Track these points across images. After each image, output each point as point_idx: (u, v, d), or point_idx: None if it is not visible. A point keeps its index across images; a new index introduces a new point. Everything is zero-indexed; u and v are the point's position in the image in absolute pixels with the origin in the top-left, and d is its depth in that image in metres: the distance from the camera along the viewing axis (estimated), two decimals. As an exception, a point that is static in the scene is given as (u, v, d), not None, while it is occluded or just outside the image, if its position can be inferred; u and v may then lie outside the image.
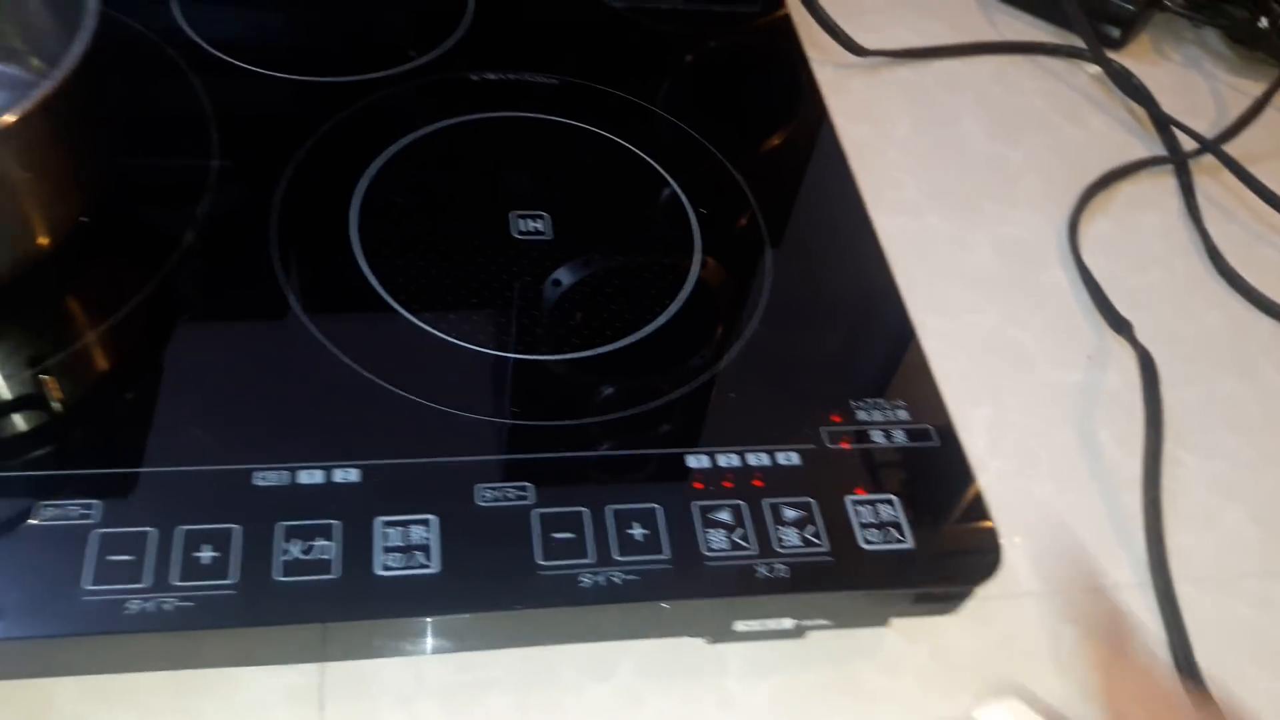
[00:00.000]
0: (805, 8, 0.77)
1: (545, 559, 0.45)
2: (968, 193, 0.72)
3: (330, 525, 0.44)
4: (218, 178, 0.57)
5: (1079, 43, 0.83)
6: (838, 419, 0.52)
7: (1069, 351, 0.65)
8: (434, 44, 0.67)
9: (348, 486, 0.46)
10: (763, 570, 0.46)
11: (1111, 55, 0.81)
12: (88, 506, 0.44)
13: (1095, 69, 0.82)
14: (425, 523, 0.45)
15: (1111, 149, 0.77)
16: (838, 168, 0.64)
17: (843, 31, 0.77)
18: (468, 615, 0.44)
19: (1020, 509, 0.57)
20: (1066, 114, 0.80)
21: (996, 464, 0.59)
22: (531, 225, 0.58)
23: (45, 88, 0.45)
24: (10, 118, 0.44)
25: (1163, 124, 0.79)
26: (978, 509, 0.50)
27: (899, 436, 0.51)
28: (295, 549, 0.44)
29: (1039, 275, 0.69)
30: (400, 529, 0.45)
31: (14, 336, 0.50)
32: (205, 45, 0.64)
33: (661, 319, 0.55)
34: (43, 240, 0.50)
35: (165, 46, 0.64)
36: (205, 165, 0.57)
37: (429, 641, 0.46)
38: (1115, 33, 0.85)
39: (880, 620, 0.50)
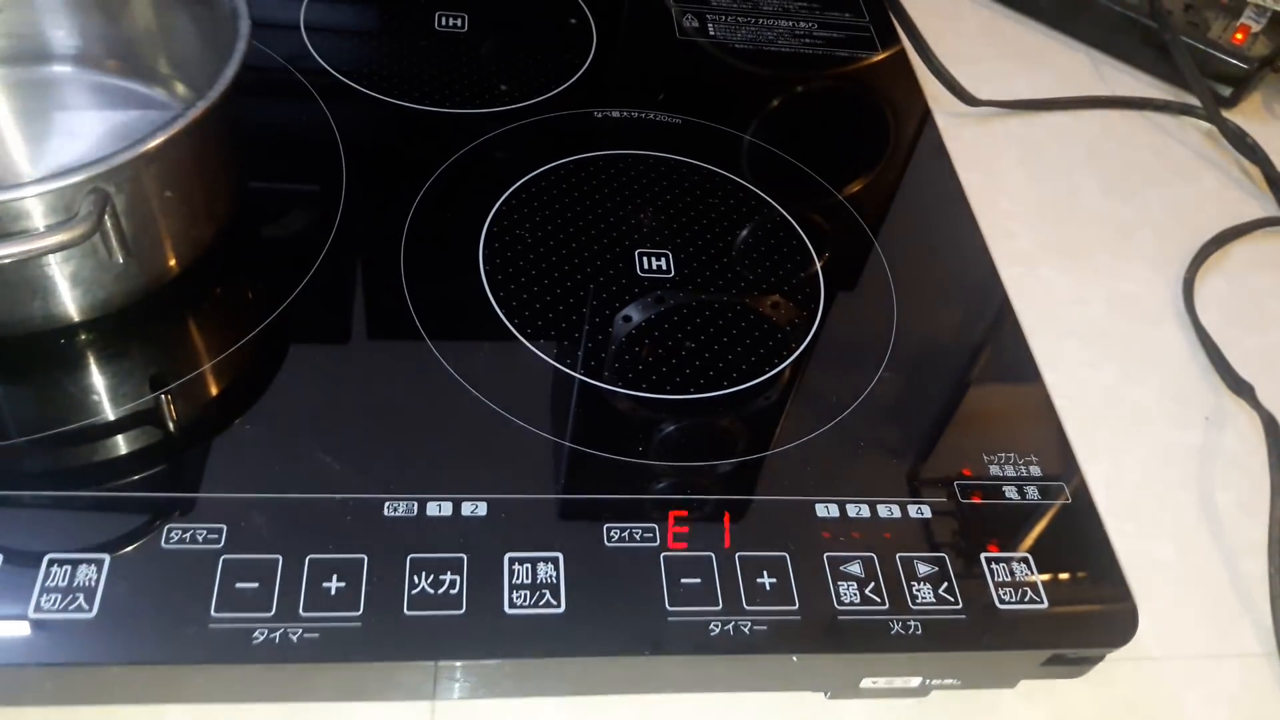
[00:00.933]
0: (919, 55, 0.76)
1: (673, 604, 0.44)
2: (1081, 246, 0.71)
3: (459, 559, 0.43)
4: (346, 204, 0.57)
5: (1190, 99, 0.81)
6: (968, 472, 0.50)
7: (1187, 412, 0.63)
8: (558, 81, 0.67)
9: (476, 520, 0.45)
10: (896, 626, 0.44)
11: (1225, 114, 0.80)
12: (215, 531, 0.43)
13: (1206, 126, 0.81)
14: (553, 561, 0.44)
15: (1225, 207, 0.76)
16: (961, 214, 0.63)
17: (955, 80, 0.76)
18: (594, 659, 0.43)
19: (1141, 571, 0.55)
20: (1179, 171, 0.78)
21: (1114, 524, 0.57)
22: (655, 263, 0.57)
23: (195, 111, 0.45)
24: (159, 139, 0.44)
25: (1277, 184, 0.77)
26: (1113, 569, 0.48)
27: (1032, 492, 0.50)
28: (424, 582, 0.43)
29: (1154, 333, 0.67)
30: (527, 566, 0.44)
31: (138, 357, 0.50)
32: (334, 72, 0.64)
33: (788, 361, 0.54)
34: (174, 262, 0.50)
35: (295, 73, 0.64)
36: (335, 192, 0.57)
37: (546, 683, 0.45)
38: (1226, 92, 0.84)
39: (1009, 682, 0.49)
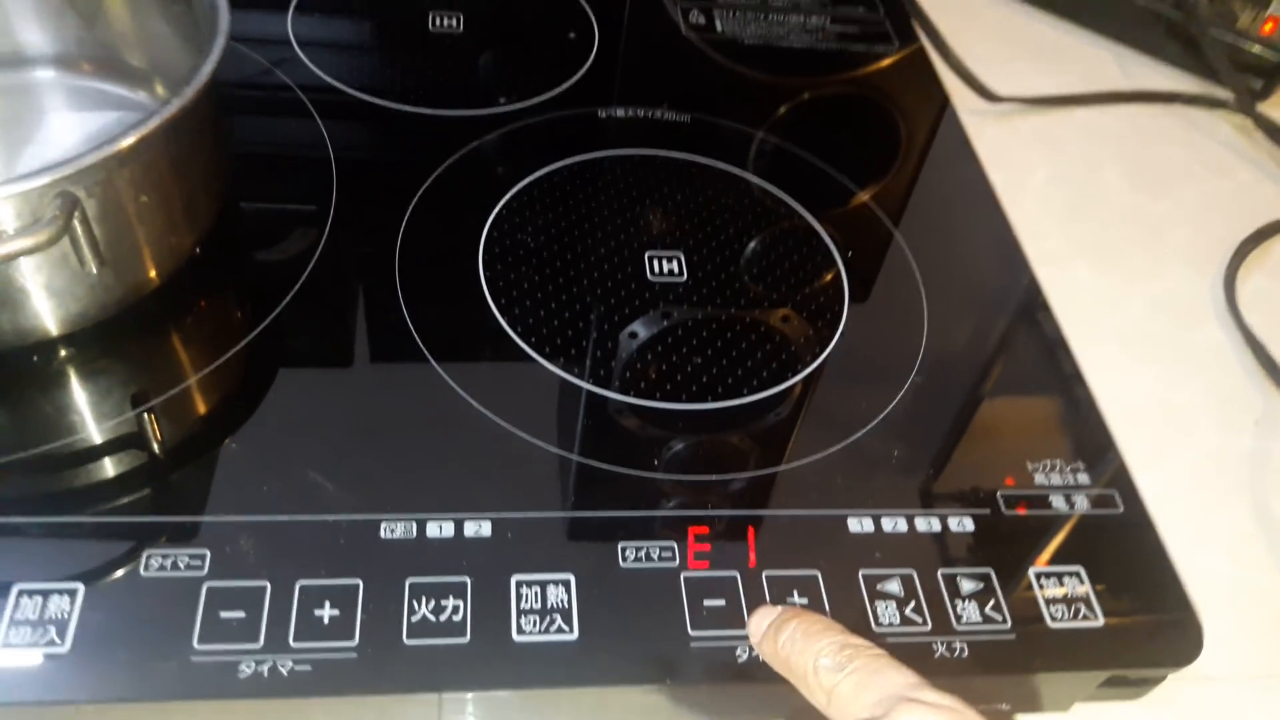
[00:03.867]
0: (937, 52, 0.73)
1: (695, 628, 0.40)
2: (1114, 246, 0.68)
3: (463, 583, 0.40)
4: (337, 212, 0.54)
5: (1220, 93, 0.78)
6: (1011, 482, 0.47)
7: (1234, 416, 0.60)
8: (559, 80, 0.64)
9: (480, 541, 0.42)
10: (940, 648, 0.41)
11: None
12: (197, 557, 0.40)
13: (1238, 119, 0.78)
14: (564, 583, 0.41)
15: (1262, 203, 0.72)
16: (991, 212, 0.60)
17: (975, 77, 0.73)
18: (610, 688, 0.40)
19: (1194, 584, 0.52)
20: (1211, 166, 0.75)
21: (1166, 537, 0.53)
22: (667, 266, 0.54)
23: (169, 110, 0.42)
24: (130, 139, 0.41)
25: (1315, 178, 0.74)
26: (1173, 582, 0.45)
27: (1080, 502, 0.46)
28: (424, 608, 0.39)
29: (1196, 334, 0.64)
30: (536, 589, 0.40)
31: (118, 373, 0.47)
32: (322, 75, 0.62)
33: (812, 366, 0.50)
34: (153, 273, 0.47)
35: (281, 75, 0.61)
36: (325, 200, 0.54)
37: (559, 715, 0.41)
38: (1257, 84, 0.80)
39: (1063, 705, 0.45)
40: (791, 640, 0.36)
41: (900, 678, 0.34)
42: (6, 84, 0.55)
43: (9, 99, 0.54)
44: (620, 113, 0.63)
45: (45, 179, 0.40)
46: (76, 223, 0.41)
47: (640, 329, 0.51)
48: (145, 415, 0.45)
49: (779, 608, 0.39)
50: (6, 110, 0.54)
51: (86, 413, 0.45)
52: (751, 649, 0.40)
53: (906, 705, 0.32)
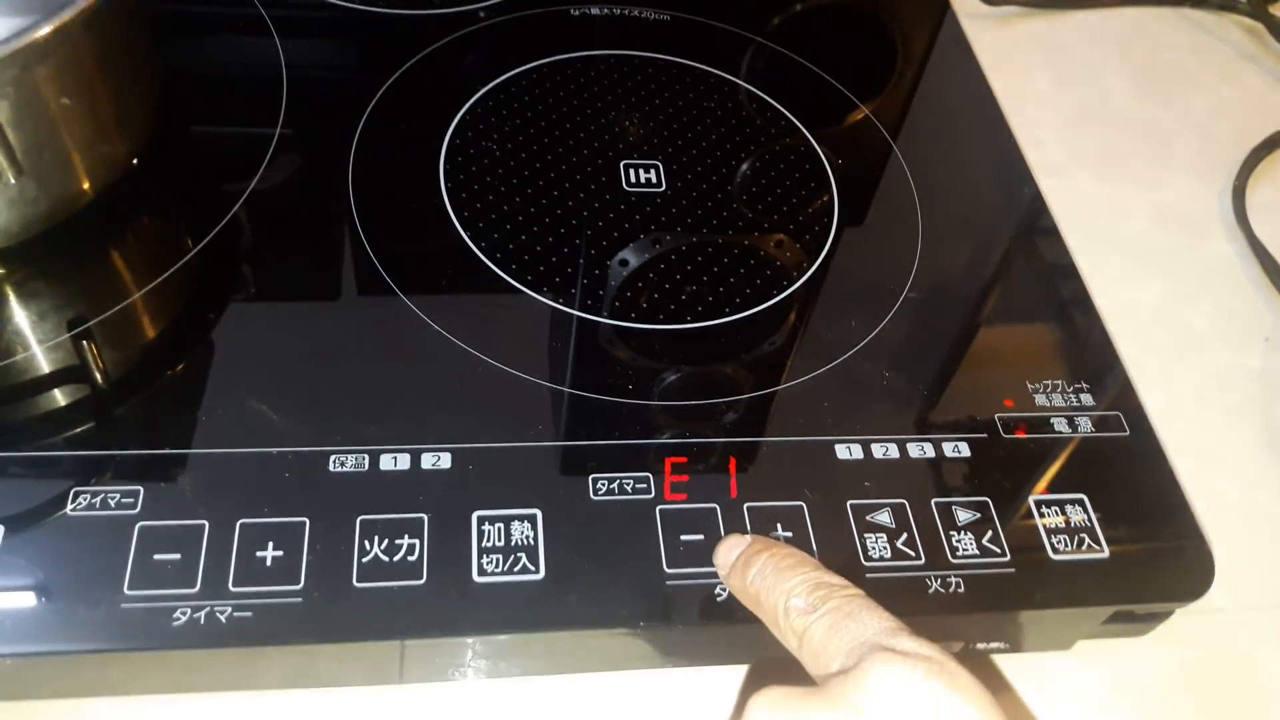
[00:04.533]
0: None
1: (672, 566, 0.37)
2: (1117, 155, 0.65)
3: (419, 520, 0.37)
4: (287, 118, 0.50)
5: (1229, -6, 0.74)
6: (1011, 403, 0.44)
7: (1244, 332, 0.57)
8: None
9: (438, 474, 0.39)
10: (934, 584, 0.38)
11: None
12: (130, 494, 0.37)
13: (1249, 23, 0.74)
14: (529, 519, 0.38)
15: (1272, 110, 0.69)
16: (992, 122, 0.57)
17: (973, -23, 0.69)
18: (581, 632, 0.37)
19: (1202, 510, 0.49)
20: (1220, 71, 0.71)
21: (1172, 459, 0.51)
22: (644, 176, 0.50)
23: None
24: (45, 30, 0.37)
25: (1328, 83, 0.70)
26: (1181, 509, 0.42)
27: (1083, 424, 0.44)
28: (377, 548, 0.36)
29: (1203, 247, 0.61)
30: (500, 526, 0.37)
31: (51, 294, 0.43)
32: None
33: (799, 283, 0.47)
34: (85, 184, 0.43)
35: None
36: (274, 105, 0.50)
37: (526, 662, 0.38)
38: (1268, -15, 0.76)
39: (1065, 644, 0.42)
40: (761, 575, 0.34)
41: (876, 622, 0.31)
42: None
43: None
44: (595, 10, 0.59)
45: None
46: (-14, 126, 0.37)
47: (626, 240, 0.48)
48: (81, 340, 0.41)
49: (748, 537, 0.36)
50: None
51: (10, 337, 0.41)
52: (730, 587, 0.37)
53: (880, 655, 0.29)
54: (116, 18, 0.40)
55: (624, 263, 0.47)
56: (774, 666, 0.39)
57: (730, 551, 0.36)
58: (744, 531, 0.38)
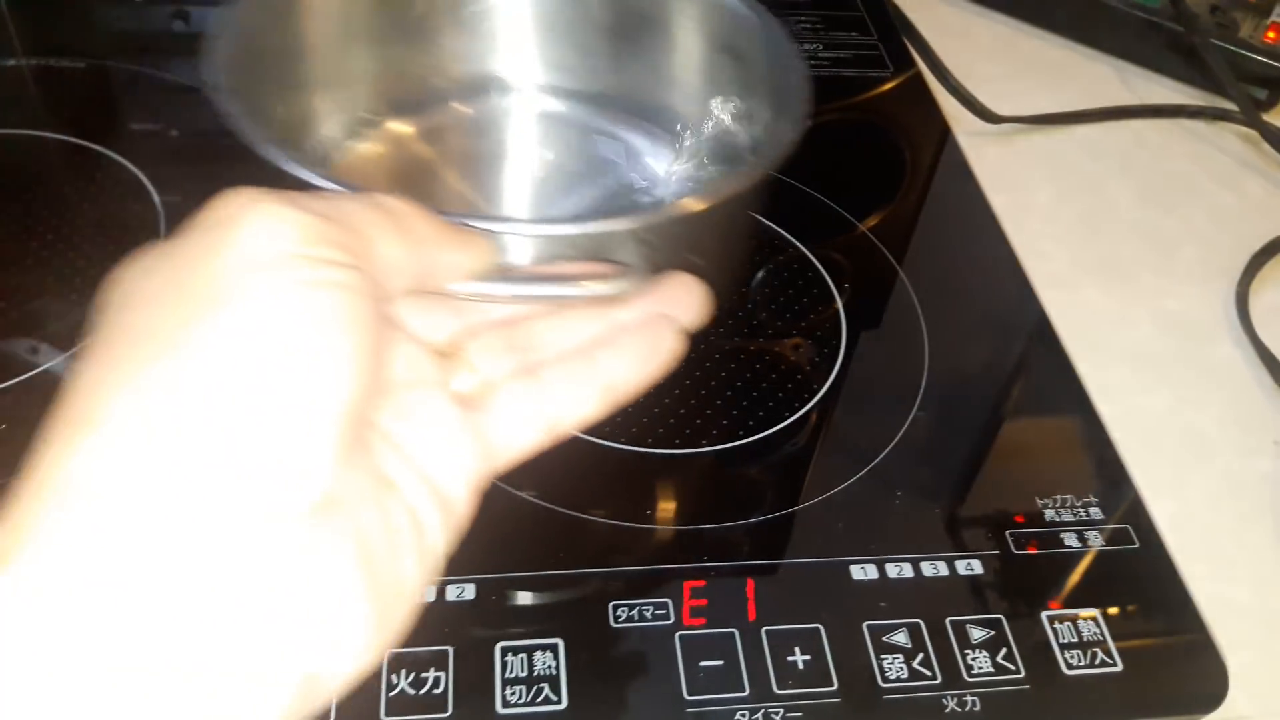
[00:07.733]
0: (934, 74, 0.71)
1: (692, 693, 0.38)
2: (1122, 264, 0.66)
3: (444, 653, 0.38)
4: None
5: (1225, 104, 0.76)
6: (1021, 519, 0.45)
7: (1254, 437, 0.57)
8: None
9: (462, 606, 0.40)
10: (951, 703, 0.38)
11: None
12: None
13: (1245, 131, 0.76)
14: (551, 648, 0.39)
15: (1272, 215, 0.70)
16: (992, 236, 0.58)
17: (974, 98, 0.71)
18: (604, 762, 0.37)
19: (1218, 618, 0.49)
20: (1219, 179, 0.73)
21: (1184, 566, 0.51)
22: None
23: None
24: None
25: (1326, 188, 0.72)
26: (1194, 621, 0.42)
27: (1093, 538, 0.44)
28: (404, 681, 0.37)
29: (1210, 352, 0.62)
30: (522, 657, 0.38)
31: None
32: None
33: (810, 405, 0.48)
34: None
35: None
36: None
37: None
38: (1261, 94, 0.78)
39: (1083, 758, 0.42)
40: None
41: None
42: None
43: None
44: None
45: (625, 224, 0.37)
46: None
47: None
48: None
49: None
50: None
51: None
52: (752, 712, 0.37)
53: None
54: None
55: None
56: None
57: None
58: (763, 656, 0.39)
